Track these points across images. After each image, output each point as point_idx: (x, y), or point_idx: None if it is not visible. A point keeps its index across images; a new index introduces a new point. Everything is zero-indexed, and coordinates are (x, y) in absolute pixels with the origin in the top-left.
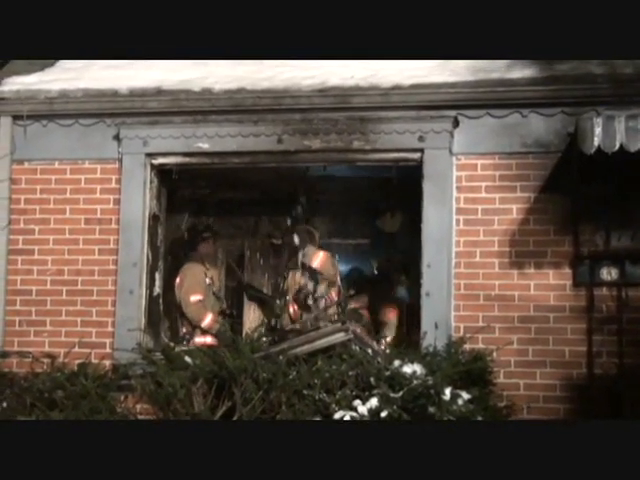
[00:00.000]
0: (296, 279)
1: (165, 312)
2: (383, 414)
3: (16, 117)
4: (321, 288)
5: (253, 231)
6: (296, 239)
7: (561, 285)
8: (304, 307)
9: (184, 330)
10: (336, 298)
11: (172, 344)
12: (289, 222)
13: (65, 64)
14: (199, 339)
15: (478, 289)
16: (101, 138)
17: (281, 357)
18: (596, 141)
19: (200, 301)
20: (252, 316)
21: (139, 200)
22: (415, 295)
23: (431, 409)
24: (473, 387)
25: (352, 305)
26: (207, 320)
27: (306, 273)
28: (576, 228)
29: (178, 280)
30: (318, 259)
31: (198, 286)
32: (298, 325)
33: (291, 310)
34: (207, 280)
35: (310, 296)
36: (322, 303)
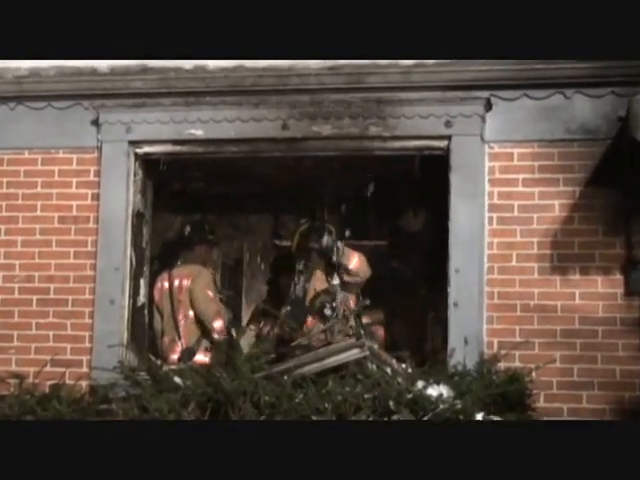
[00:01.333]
0: (311, 285)
1: (150, 325)
2: None
3: None
4: (341, 295)
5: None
6: (325, 240)
7: (611, 294)
8: (321, 317)
9: (178, 347)
10: (353, 306)
11: (159, 362)
12: (305, 222)
13: None
14: (201, 357)
15: (514, 298)
16: (78, 123)
17: (286, 377)
18: None
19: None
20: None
21: (121, 195)
22: (441, 305)
23: None
24: (509, 412)
25: (365, 320)
26: (220, 322)
27: (330, 279)
28: (628, 227)
29: (187, 283)
30: (354, 261)
31: (213, 287)
32: (306, 340)
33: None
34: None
35: (328, 305)
36: (340, 312)
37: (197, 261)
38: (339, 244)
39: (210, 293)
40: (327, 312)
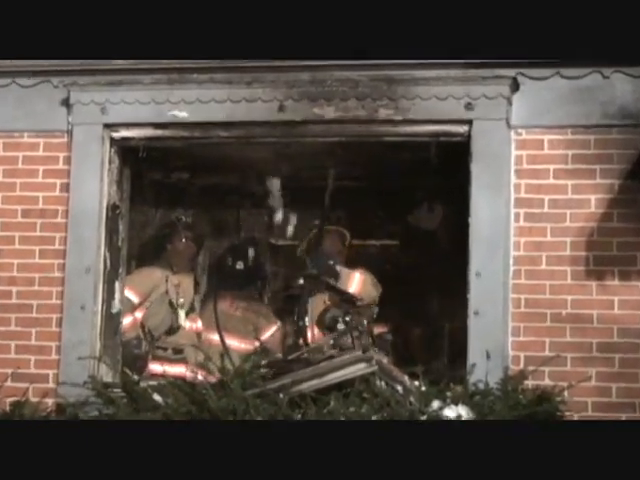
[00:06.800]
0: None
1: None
2: None
3: None
4: (357, 317)
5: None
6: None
7: None
8: (333, 333)
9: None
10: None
11: (136, 377)
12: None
13: None
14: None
15: (544, 306)
16: (46, 103)
17: (282, 395)
18: None
19: (129, 300)
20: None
21: (94, 186)
22: (460, 314)
23: None
24: None
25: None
26: (124, 322)
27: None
28: None
29: None
30: (355, 283)
31: (138, 285)
32: (306, 353)
33: (309, 335)
34: (164, 287)
35: (341, 319)
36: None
37: (161, 262)
38: (337, 267)
39: (127, 291)
40: (340, 327)
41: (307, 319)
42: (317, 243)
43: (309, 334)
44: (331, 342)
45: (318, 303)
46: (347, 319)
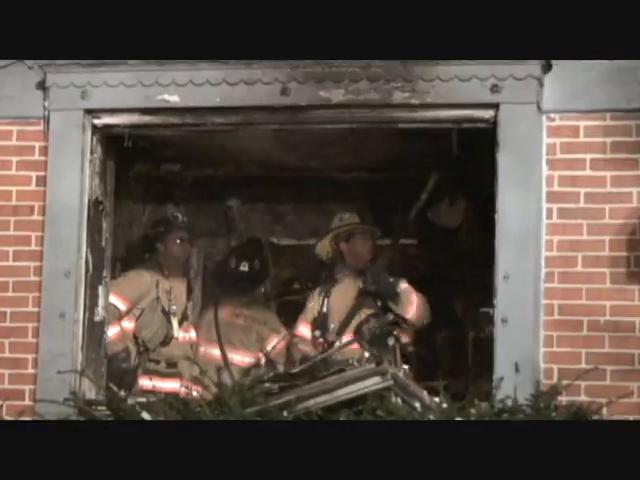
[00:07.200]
0: (341, 301)
1: None
2: None
3: None
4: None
5: None
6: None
7: None
8: (380, 347)
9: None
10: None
11: (123, 393)
12: (341, 217)
13: None
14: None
15: (580, 313)
16: (19, 87)
17: (286, 413)
18: None
19: (115, 307)
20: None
21: (74, 179)
22: (486, 322)
23: None
24: None
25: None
26: (110, 332)
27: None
28: None
29: None
30: (414, 308)
31: (124, 291)
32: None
33: (336, 344)
34: (155, 294)
35: (388, 334)
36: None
37: (151, 265)
38: (397, 287)
39: (112, 297)
40: (390, 342)
41: (331, 326)
42: (354, 251)
43: (336, 344)
44: (367, 355)
45: (336, 310)
46: (396, 333)
